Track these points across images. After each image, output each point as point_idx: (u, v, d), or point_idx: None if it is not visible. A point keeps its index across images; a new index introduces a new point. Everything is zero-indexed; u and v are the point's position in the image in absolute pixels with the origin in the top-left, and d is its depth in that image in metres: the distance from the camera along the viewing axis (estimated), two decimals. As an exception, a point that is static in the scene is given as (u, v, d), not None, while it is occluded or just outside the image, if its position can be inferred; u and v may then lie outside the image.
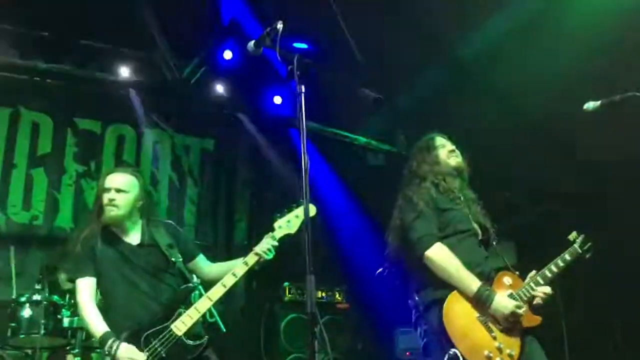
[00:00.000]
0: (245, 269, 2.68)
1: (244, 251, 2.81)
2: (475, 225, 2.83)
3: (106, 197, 2.74)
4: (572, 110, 3.12)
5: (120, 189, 2.76)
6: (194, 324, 2.59)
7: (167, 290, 2.73)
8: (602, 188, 5.11)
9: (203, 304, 2.62)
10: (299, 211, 2.77)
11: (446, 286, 2.60)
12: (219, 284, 2.64)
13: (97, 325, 2.58)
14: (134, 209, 2.80)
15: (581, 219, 5.06)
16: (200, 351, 2.58)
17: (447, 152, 2.96)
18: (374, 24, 4.85)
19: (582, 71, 4.22)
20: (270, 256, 2.74)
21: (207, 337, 2.64)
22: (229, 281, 2.65)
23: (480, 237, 2.84)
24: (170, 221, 3.03)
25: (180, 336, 2.54)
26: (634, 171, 4.68)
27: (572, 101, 3.08)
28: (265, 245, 2.73)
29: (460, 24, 4.57)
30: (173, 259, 2.74)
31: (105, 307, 2.71)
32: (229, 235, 5.73)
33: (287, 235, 2.78)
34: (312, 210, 2.49)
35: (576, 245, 2.78)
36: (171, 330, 2.54)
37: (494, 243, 2.89)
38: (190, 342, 2.57)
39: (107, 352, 2.49)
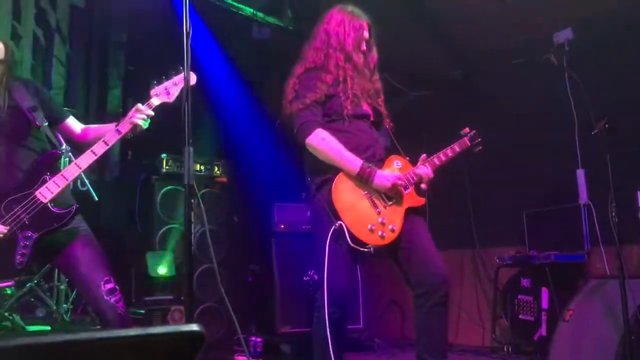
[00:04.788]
0: (118, 137, 2.55)
1: (118, 119, 2.66)
2: (367, 109, 2.88)
3: None
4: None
5: (3, 60, 2.48)
6: (61, 192, 2.48)
7: (31, 156, 2.55)
8: (474, 76, 5.38)
9: (71, 171, 2.49)
10: (178, 79, 2.64)
11: (336, 167, 2.68)
12: (88, 152, 2.51)
13: None
14: None
15: (450, 104, 5.36)
16: (68, 219, 2.49)
17: (361, 43, 2.90)
18: None
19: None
20: (146, 125, 2.62)
21: (75, 205, 2.54)
22: (100, 149, 2.52)
23: (371, 120, 2.90)
24: (31, 79, 2.76)
25: (46, 203, 2.43)
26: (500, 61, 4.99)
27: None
28: (141, 114, 2.59)
29: None
30: (37, 122, 2.54)
31: None
32: (102, 101, 5.41)
33: (165, 104, 2.66)
34: (193, 78, 2.39)
35: (466, 139, 2.92)
36: (35, 196, 2.42)
37: (387, 127, 2.97)
38: (57, 210, 2.47)
39: None
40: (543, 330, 4.21)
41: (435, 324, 2.71)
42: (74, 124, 2.77)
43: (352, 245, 2.60)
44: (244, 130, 5.55)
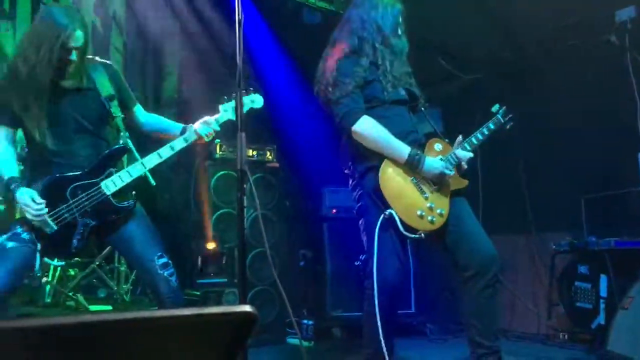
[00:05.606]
0: (184, 145, 2.65)
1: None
2: (404, 93, 2.86)
3: (66, 56, 2.48)
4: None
5: (81, 47, 2.53)
6: (124, 186, 2.57)
7: (101, 144, 2.65)
8: (529, 61, 5.22)
9: (136, 169, 2.59)
10: (247, 100, 2.75)
11: (379, 155, 2.69)
12: (155, 153, 2.61)
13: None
14: None
15: (507, 88, 5.23)
16: (125, 213, 2.59)
17: (397, 27, 2.92)
18: None
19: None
20: (209, 140, 2.72)
21: (134, 201, 2.62)
22: (166, 153, 2.63)
23: (409, 104, 2.90)
24: (110, 62, 2.82)
25: (108, 195, 2.53)
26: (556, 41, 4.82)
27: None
28: (208, 129, 2.68)
29: None
30: (113, 113, 2.63)
31: (32, 156, 2.62)
32: (158, 88, 5.54)
33: (230, 120, 2.74)
34: (260, 100, 2.51)
35: (499, 116, 2.91)
36: (100, 187, 2.52)
37: (423, 109, 2.96)
38: (117, 203, 2.56)
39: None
40: (601, 318, 4.10)
41: (486, 306, 2.69)
42: (140, 113, 2.86)
43: (404, 232, 2.61)
44: (296, 116, 5.58)
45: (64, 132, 2.55)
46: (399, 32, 2.93)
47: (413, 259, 4.86)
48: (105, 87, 2.64)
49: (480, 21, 5.00)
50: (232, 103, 2.72)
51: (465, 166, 2.87)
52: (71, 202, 2.47)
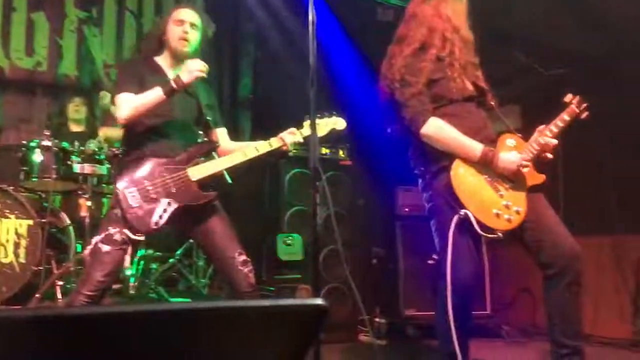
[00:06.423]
0: (268, 148, 2.79)
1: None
2: (471, 88, 2.80)
3: (179, 29, 2.71)
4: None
5: (195, 24, 2.73)
6: (209, 176, 2.68)
7: (193, 140, 2.82)
8: (616, 54, 4.97)
9: (222, 162, 2.71)
10: (330, 121, 2.90)
11: (450, 154, 2.65)
12: (240, 151, 2.74)
13: None
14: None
15: (591, 84, 5.00)
16: (206, 201, 2.69)
17: (466, 18, 2.88)
18: None
19: None
20: (291, 150, 2.85)
21: (216, 192, 2.73)
22: (250, 153, 2.78)
23: (477, 100, 2.83)
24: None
25: (193, 181, 2.64)
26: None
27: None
28: (293, 139, 2.81)
29: None
30: (209, 119, 2.79)
31: (132, 129, 2.77)
32: (234, 89, 5.69)
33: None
34: (342, 123, 2.82)
35: (573, 106, 2.79)
36: (186, 172, 2.64)
37: (492, 104, 2.88)
38: (200, 190, 2.67)
39: None
40: (693, 325, 3.86)
41: (570, 304, 2.61)
42: (223, 136, 3.02)
43: (480, 232, 2.56)
44: (369, 114, 5.58)
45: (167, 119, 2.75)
46: (466, 23, 2.88)
47: (488, 258, 4.76)
48: (205, 95, 2.90)
49: (569, 14, 4.79)
50: (319, 120, 2.80)
51: (550, 155, 2.76)
52: (157, 180, 2.60)
